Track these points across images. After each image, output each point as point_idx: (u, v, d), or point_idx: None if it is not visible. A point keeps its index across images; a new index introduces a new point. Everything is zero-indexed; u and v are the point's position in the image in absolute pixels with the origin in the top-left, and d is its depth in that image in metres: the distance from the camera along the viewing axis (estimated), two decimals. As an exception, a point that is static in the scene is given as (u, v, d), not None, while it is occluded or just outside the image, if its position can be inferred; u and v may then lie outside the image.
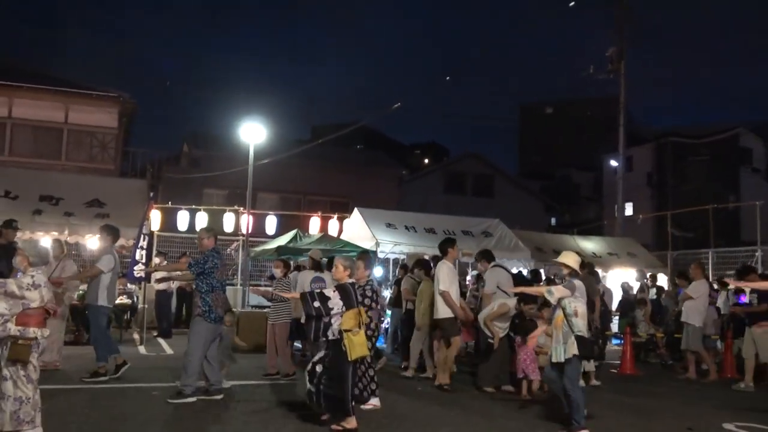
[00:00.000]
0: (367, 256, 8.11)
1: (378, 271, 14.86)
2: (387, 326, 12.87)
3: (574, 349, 6.36)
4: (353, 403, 6.19)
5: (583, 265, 9.23)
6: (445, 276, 8.70)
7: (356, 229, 15.47)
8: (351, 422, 6.06)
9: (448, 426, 6.58)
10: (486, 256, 9.90)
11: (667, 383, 10.04)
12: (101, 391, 7.58)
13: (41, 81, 21.51)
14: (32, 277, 5.39)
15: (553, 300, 6.52)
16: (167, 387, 7.45)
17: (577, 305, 6.46)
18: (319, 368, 6.20)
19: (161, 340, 12.75)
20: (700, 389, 9.56)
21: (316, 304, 6.05)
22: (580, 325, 6.40)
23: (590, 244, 17.79)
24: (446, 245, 9.05)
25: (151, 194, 13.96)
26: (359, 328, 6.18)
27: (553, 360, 6.57)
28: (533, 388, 8.29)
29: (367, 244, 14.16)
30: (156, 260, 14.78)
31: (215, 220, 17.54)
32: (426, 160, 47.00)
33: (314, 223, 17.78)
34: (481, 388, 8.56)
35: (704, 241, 19.40)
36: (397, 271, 13.60)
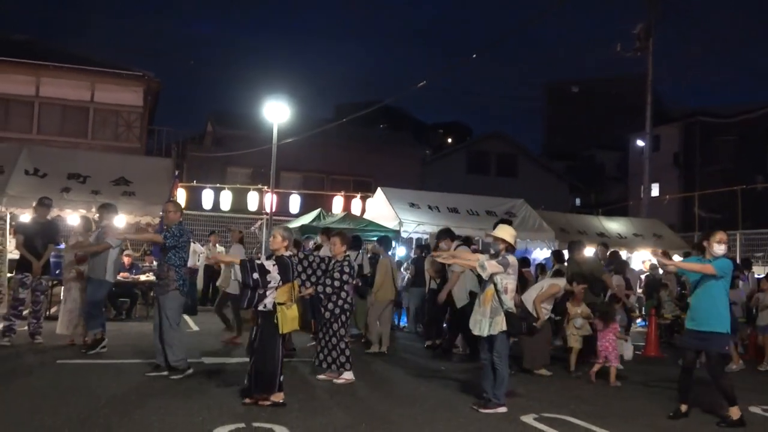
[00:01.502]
0: (343, 234, 8.08)
1: (401, 251, 14.89)
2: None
3: (502, 325, 6.32)
4: (281, 378, 6.11)
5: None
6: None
7: (379, 208, 15.48)
8: (279, 396, 6.03)
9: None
10: (449, 234, 9.87)
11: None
12: (127, 366, 7.71)
13: (68, 60, 21.77)
14: None
15: (485, 275, 6.40)
16: (193, 363, 7.53)
17: (508, 282, 6.44)
18: (256, 344, 6.14)
19: (186, 317, 12.92)
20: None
21: (255, 275, 6.01)
22: (509, 301, 6.40)
23: (615, 225, 17.61)
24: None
25: (176, 173, 14.05)
26: (292, 302, 6.18)
27: (475, 333, 6.54)
28: (612, 374, 8.12)
29: (390, 224, 14.18)
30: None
31: (239, 198, 17.70)
32: (449, 140, 46.65)
33: (337, 203, 17.87)
34: (531, 371, 8.39)
35: (732, 222, 19.11)
36: (413, 251, 13.61)
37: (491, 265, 6.39)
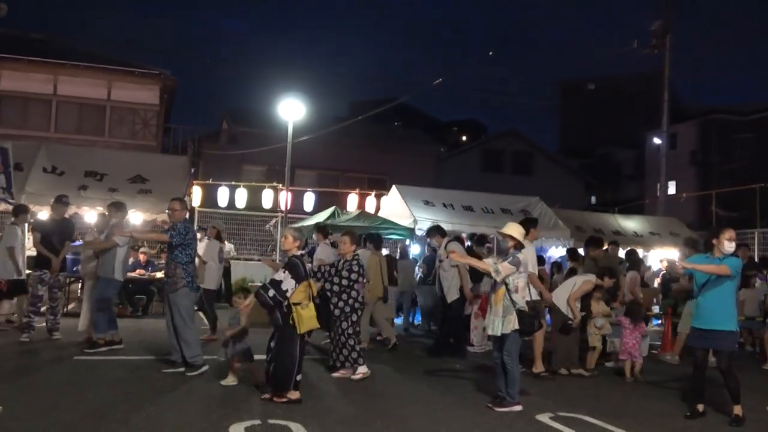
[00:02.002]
0: (352, 233, 8.09)
1: (415, 249, 14.88)
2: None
3: (514, 324, 6.31)
4: (298, 378, 6.16)
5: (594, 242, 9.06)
6: (531, 258, 8.02)
7: (394, 206, 15.46)
8: (294, 394, 6.07)
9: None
10: (439, 231, 9.92)
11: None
12: (143, 362, 7.77)
13: (85, 59, 21.93)
14: None
15: (499, 279, 6.36)
16: (209, 359, 7.56)
17: (519, 280, 6.44)
18: (272, 344, 6.24)
19: (200, 314, 12.99)
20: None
21: (271, 293, 6.03)
22: (521, 300, 6.40)
23: (631, 223, 17.48)
24: (528, 225, 8.23)
25: (192, 170, 14.11)
26: (309, 300, 6.19)
27: (490, 333, 6.56)
28: (636, 369, 8.28)
29: (405, 222, 14.16)
30: (198, 235, 14.99)
31: (254, 196, 17.77)
32: (464, 138, 46.54)
33: (352, 200, 17.87)
34: (555, 372, 8.28)
35: (750, 221, 18.90)
36: (426, 250, 13.60)
37: (505, 268, 6.37)
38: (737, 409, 6.19)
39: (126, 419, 5.30)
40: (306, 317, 6.11)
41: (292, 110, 16.79)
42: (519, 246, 6.58)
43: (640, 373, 8.31)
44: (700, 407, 6.39)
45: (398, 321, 12.64)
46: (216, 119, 32.55)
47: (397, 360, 8.98)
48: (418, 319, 13.46)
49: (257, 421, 5.38)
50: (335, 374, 7.46)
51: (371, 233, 11.59)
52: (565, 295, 8.46)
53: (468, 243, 12.87)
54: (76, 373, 7.02)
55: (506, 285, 6.39)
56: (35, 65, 21.44)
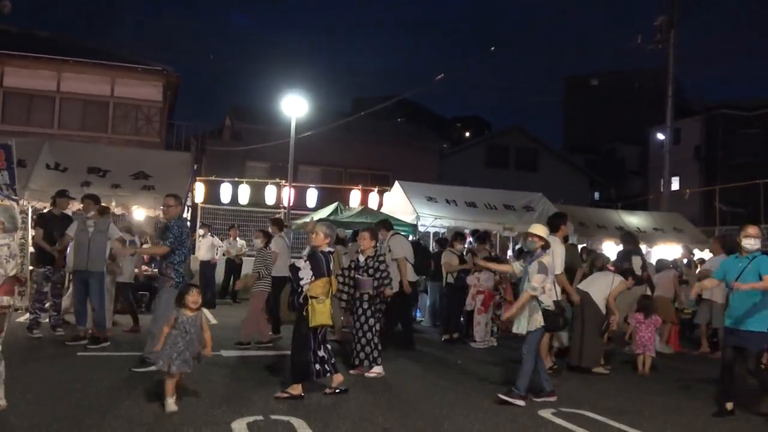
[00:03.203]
0: (373, 229, 8.13)
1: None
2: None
3: (539, 322, 6.37)
4: (318, 367, 6.23)
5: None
6: (558, 256, 7.58)
7: (397, 202, 15.45)
8: (295, 389, 6.08)
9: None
10: (385, 225, 9.94)
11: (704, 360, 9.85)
12: (131, 358, 7.76)
13: (88, 56, 21.95)
14: (8, 247, 5.34)
15: (538, 293, 6.38)
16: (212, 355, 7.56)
17: (546, 283, 6.45)
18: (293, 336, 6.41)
19: (205, 310, 12.98)
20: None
21: (291, 277, 6.26)
22: (547, 300, 6.43)
23: (635, 219, 17.43)
24: (558, 221, 8.10)
25: (195, 167, 14.11)
26: (326, 297, 6.22)
27: (514, 330, 6.63)
28: (647, 365, 8.38)
29: (408, 218, 14.15)
30: (200, 231, 15.05)
31: (257, 192, 17.79)
32: (467, 134, 46.49)
33: (355, 197, 17.87)
34: (589, 370, 8.21)
35: (754, 216, 18.82)
36: (433, 245, 13.58)
37: (538, 280, 6.38)
38: None
39: (129, 415, 5.31)
40: (319, 312, 6.14)
41: (295, 106, 16.81)
42: (546, 246, 6.58)
43: (650, 369, 8.36)
44: (729, 405, 6.32)
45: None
46: (219, 116, 32.60)
47: (400, 356, 8.98)
48: (418, 315, 13.44)
49: (259, 417, 5.39)
50: (352, 371, 7.39)
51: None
52: (601, 293, 8.30)
53: (470, 239, 12.87)
54: (80, 370, 7.03)
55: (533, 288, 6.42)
56: (39, 62, 21.48)
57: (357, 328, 7.51)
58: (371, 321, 7.47)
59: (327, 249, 6.41)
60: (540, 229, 6.66)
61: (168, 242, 7.21)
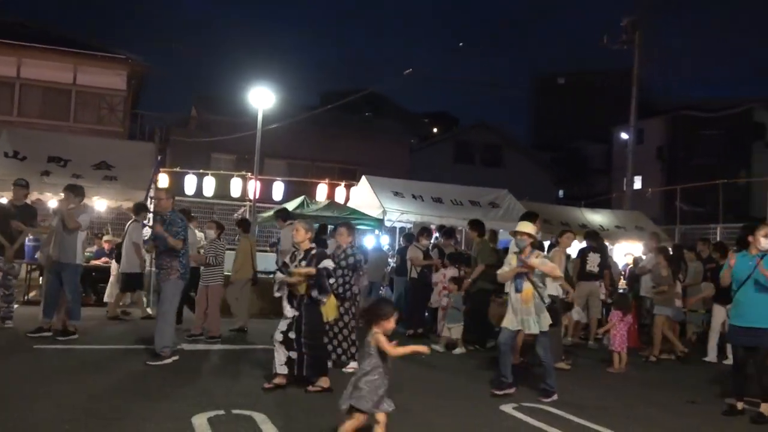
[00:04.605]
0: (350, 224, 8.19)
1: (385, 240, 14.88)
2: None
3: (548, 320, 6.44)
4: (330, 364, 6.45)
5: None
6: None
7: (364, 196, 15.41)
8: (326, 381, 6.21)
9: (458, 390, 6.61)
10: (281, 214, 10.17)
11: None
12: (103, 352, 7.65)
13: (50, 41, 21.42)
14: None
15: (559, 283, 6.53)
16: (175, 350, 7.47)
17: (546, 278, 6.55)
18: (293, 335, 6.20)
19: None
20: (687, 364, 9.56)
21: (324, 276, 6.26)
22: (546, 297, 6.50)
23: (598, 217, 17.67)
24: (528, 218, 7.49)
25: (159, 158, 13.90)
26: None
27: (526, 331, 6.57)
28: (624, 361, 8.53)
29: (374, 212, 14.13)
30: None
31: (223, 184, 17.58)
32: (435, 130, 46.63)
33: (322, 190, 17.79)
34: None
35: (713, 216, 19.25)
36: (400, 240, 13.60)
37: (553, 268, 6.54)
38: (764, 408, 6.13)
39: (89, 409, 5.21)
40: (330, 306, 6.42)
41: (262, 98, 16.63)
42: (535, 243, 6.58)
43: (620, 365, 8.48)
44: (740, 405, 6.31)
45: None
46: (186, 106, 32.14)
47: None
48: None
49: (221, 411, 5.33)
50: (348, 369, 7.26)
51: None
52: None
53: (436, 235, 12.90)
54: (36, 363, 6.89)
55: (534, 283, 6.41)
56: (-2, 47, 20.91)
57: (337, 325, 7.40)
58: (346, 318, 7.41)
59: (310, 245, 6.45)
60: (529, 227, 6.61)
61: (181, 236, 7.21)
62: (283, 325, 6.29)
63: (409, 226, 14.36)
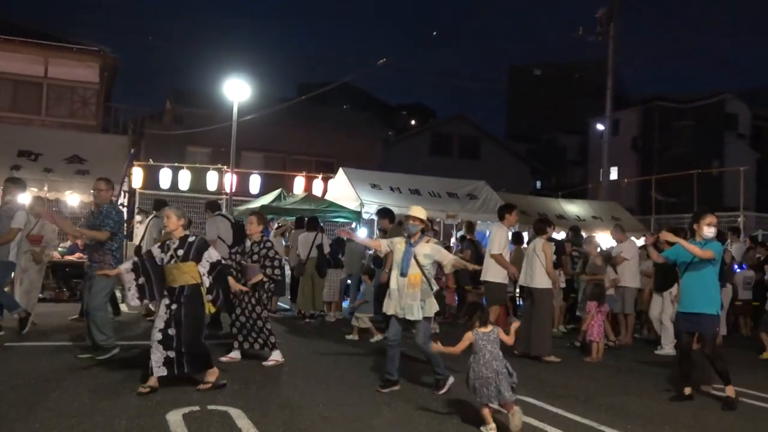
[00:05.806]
0: (260, 213, 8.02)
1: (363, 232, 14.83)
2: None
3: (435, 307, 6.32)
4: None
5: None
6: (501, 239, 8.77)
7: (341, 189, 15.38)
8: (214, 373, 5.96)
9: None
10: (210, 206, 10.25)
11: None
12: (74, 348, 7.53)
13: (20, 33, 20.95)
14: None
15: (449, 271, 6.63)
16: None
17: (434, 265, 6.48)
18: (172, 332, 5.79)
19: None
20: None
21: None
22: (435, 284, 6.42)
23: (574, 208, 17.82)
24: (504, 210, 8.94)
25: (132, 151, 13.73)
26: None
27: (407, 317, 6.16)
28: (601, 350, 8.60)
29: (352, 205, 14.10)
30: (138, 218, 14.65)
31: (198, 178, 17.40)
32: (413, 122, 46.64)
33: (299, 183, 17.72)
34: (539, 358, 8.28)
35: (688, 206, 19.50)
36: (376, 233, 13.56)
37: (446, 257, 6.42)
38: (729, 390, 6.23)
39: (59, 408, 5.11)
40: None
41: (237, 90, 16.50)
42: (426, 229, 6.51)
43: (596, 354, 8.56)
44: (687, 390, 6.43)
45: (345, 304, 12.59)
46: (160, 99, 31.75)
47: (342, 344, 8.95)
48: (345, 304, 13.43)
49: (196, 408, 5.25)
50: (224, 358, 7.15)
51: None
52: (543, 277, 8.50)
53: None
54: (7, 361, 6.75)
55: (422, 269, 6.20)
56: (-35, 39, 20.46)
57: (248, 317, 7.26)
58: (258, 309, 7.25)
59: (260, 238, 6.43)
60: (420, 212, 6.41)
61: (108, 228, 6.97)
62: (159, 322, 5.87)
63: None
